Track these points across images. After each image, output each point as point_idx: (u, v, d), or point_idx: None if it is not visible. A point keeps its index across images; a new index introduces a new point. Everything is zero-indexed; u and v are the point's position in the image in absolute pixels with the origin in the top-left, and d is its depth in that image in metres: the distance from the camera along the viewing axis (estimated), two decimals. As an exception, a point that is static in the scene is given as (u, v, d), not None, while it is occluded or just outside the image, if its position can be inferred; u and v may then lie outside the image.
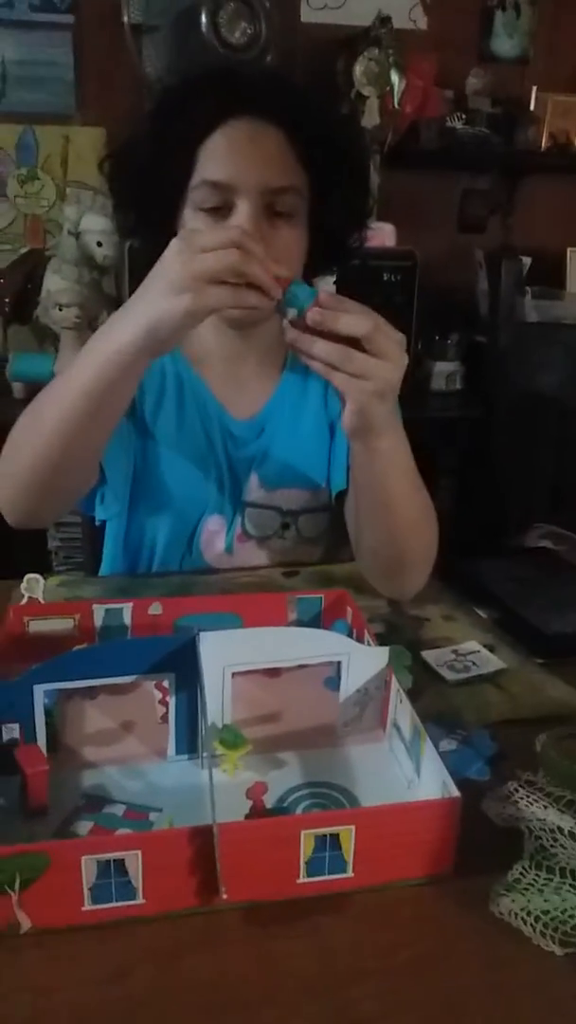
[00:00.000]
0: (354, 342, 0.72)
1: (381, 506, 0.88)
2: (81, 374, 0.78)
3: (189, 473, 1.06)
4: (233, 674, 0.69)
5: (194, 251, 0.71)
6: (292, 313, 0.72)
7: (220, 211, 0.93)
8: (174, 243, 0.73)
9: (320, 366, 0.73)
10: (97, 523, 1.09)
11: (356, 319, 0.71)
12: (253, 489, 1.08)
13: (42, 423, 0.81)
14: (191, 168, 0.95)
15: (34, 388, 1.91)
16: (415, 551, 0.93)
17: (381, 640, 0.84)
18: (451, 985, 0.51)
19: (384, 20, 2.23)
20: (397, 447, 0.83)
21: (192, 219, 0.95)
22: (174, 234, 0.95)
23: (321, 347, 0.72)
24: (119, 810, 0.63)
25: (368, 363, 0.72)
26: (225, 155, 0.93)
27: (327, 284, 2.03)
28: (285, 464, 1.08)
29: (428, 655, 0.85)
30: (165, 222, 0.98)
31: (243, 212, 0.91)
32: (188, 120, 0.95)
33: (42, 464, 0.82)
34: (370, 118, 2.19)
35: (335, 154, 0.98)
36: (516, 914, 0.55)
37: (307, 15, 2.42)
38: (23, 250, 2.22)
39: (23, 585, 0.80)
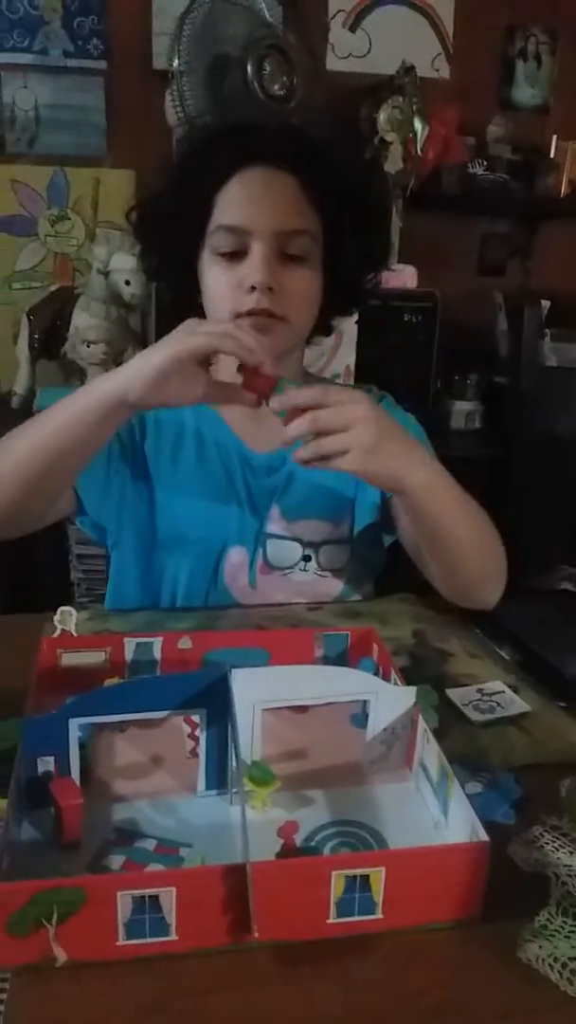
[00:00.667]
0: None
1: (435, 538, 0.92)
2: (59, 418, 0.87)
3: (209, 507, 1.08)
4: (263, 710, 0.70)
5: (198, 322, 0.83)
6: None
7: (236, 255, 0.97)
8: (184, 325, 0.83)
9: (312, 462, 0.79)
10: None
11: (300, 423, 0.78)
12: (274, 520, 1.10)
13: (14, 451, 0.89)
14: (209, 214, 0.99)
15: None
16: (483, 568, 0.96)
17: (406, 673, 0.85)
18: (479, 1029, 0.51)
19: (408, 69, 2.29)
20: (427, 484, 0.86)
21: (210, 263, 0.99)
22: (195, 279, 1.00)
23: (300, 452, 0.79)
24: (150, 844, 0.63)
25: (337, 439, 0.78)
26: (240, 201, 0.98)
27: (349, 325, 2.07)
28: (306, 495, 1.10)
29: (453, 694, 0.86)
30: (186, 266, 1.02)
31: (257, 255, 0.96)
32: (207, 168, 1.00)
33: (10, 487, 0.90)
34: (393, 163, 2.24)
35: (348, 199, 1.02)
36: (543, 960, 0.55)
37: (332, 63, 2.49)
38: (52, 288, 2.27)
39: (56, 618, 0.81)
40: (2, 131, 2.28)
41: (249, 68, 1.97)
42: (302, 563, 1.11)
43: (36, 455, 0.88)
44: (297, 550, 1.11)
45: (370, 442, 0.79)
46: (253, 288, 0.95)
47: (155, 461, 1.09)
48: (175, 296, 1.12)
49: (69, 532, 1.92)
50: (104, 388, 0.85)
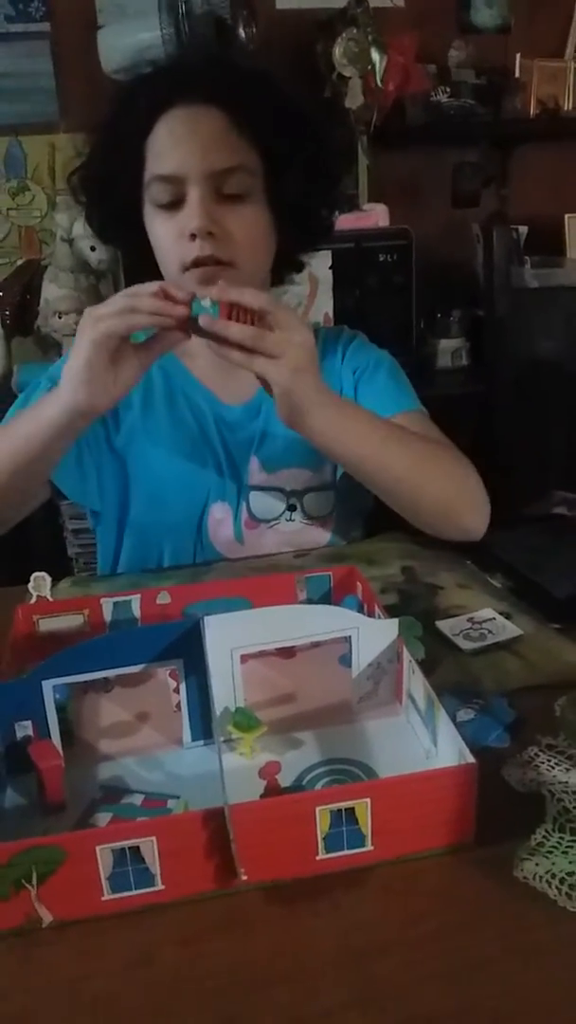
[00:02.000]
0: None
1: (362, 474, 0.94)
2: (16, 434, 0.89)
3: (185, 464, 1.07)
4: (242, 656, 0.68)
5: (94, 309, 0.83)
6: (205, 320, 0.80)
7: (175, 204, 0.94)
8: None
9: (239, 356, 0.80)
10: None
11: (255, 294, 0.80)
12: (254, 472, 1.08)
13: None
14: (143, 165, 0.96)
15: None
16: (431, 499, 0.95)
17: (394, 610, 0.84)
18: (477, 953, 0.50)
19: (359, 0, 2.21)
20: (340, 416, 0.88)
21: (152, 217, 0.96)
22: (145, 235, 0.98)
23: (236, 328, 0.79)
24: (137, 799, 0.62)
25: (280, 339, 0.79)
26: (168, 147, 0.94)
27: (323, 271, 2.03)
28: (284, 444, 1.07)
29: (443, 625, 0.84)
30: (133, 224, 0.99)
31: (192, 201, 0.92)
32: (132, 118, 0.96)
33: None
34: (353, 99, 2.17)
35: (284, 126, 0.97)
36: (540, 877, 0.54)
37: (282, 2, 2.40)
38: (19, 262, 2.22)
39: (31, 584, 0.80)
40: (-49, 106, 2.23)
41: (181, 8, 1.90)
42: (287, 513, 1.10)
43: (7, 462, 0.89)
44: (281, 501, 1.09)
45: (301, 361, 0.81)
46: (193, 236, 0.92)
47: (126, 420, 1.07)
48: (131, 257, 1.08)
49: (61, 508, 1.91)
50: (57, 404, 0.85)
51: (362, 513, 1.17)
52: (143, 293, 0.81)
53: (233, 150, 0.93)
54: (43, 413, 0.86)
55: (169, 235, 0.95)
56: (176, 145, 0.93)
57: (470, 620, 0.86)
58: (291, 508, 1.10)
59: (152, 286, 0.82)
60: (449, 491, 0.96)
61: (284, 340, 0.80)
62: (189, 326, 0.81)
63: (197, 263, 0.93)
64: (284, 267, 1.10)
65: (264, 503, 1.09)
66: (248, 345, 0.79)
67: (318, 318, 2.07)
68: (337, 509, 1.12)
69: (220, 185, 0.93)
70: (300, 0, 2.39)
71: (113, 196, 0.99)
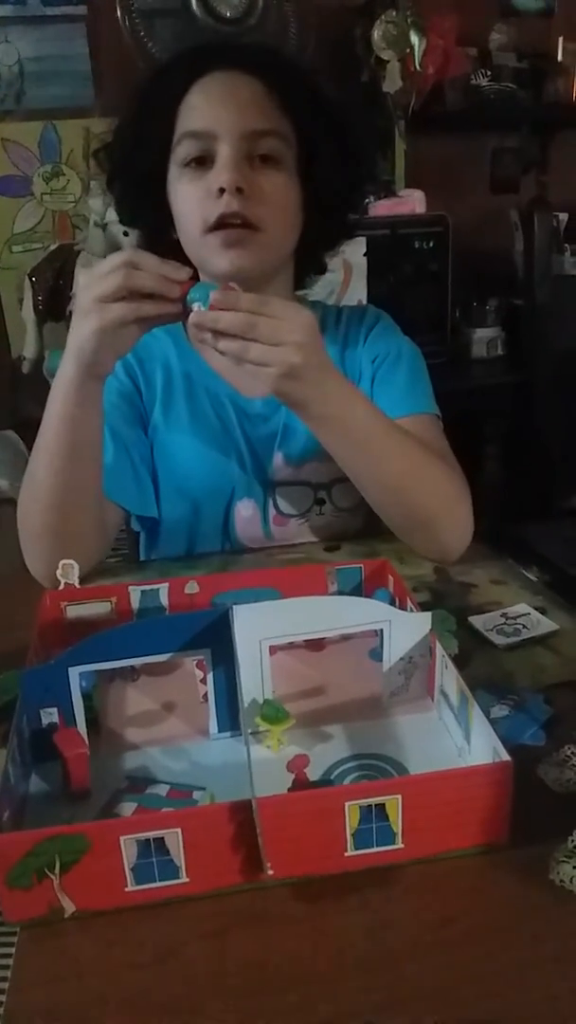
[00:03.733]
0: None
1: (352, 468, 0.91)
2: (48, 423, 0.86)
3: (208, 460, 1.05)
4: (271, 648, 0.67)
5: (94, 278, 0.78)
6: (197, 307, 0.77)
7: (204, 162, 0.91)
8: (80, 278, 0.78)
9: (233, 345, 0.77)
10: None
11: (233, 318, 0.75)
12: (279, 468, 1.06)
13: (36, 479, 0.88)
14: (172, 127, 0.93)
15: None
16: (418, 508, 0.91)
17: (426, 608, 0.82)
18: (511, 957, 0.49)
19: (400, -19, 2.17)
20: (340, 418, 0.84)
21: (177, 179, 0.93)
22: (167, 210, 0.95)
23: (228, 317, 0.75)
24: (162, 790, 0.61)
25: (264, 351, 0.76)
26: (203, 105, 0.92)
27: (357, 258, 2.00)
28: (307, 436, 1.03)
29: (476, 620, 0.83)
30: (155, 194, 0.96)
31: (224, 156, 0.89)
32: (166, 83, 0.94)
33: (50, 514, 0.88)
34: (391, 82, 2.13)
35: (318, 103, 0.96)
36: (577, 880, 0.52)
37: (321, -15, 2.37)
38: (53, 247, 2.22)
39: (58, 571, 0.79)
40: (-13, 89, 2.23)
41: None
42: (316, 507, 1.08)
43: (54, 469, 0.86)
44: (308, 495, 1.07)
45: (293, 365, 0.77)
46: (222, 191, 0.89)
47: (150, 413, 1.05)
48: (148, 234, 1.06)
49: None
50: (66, 377, 0.83)
51: None
52: (143, 266, 0.77)
53: (268, 114, 0.92)
54: (58, 388, 0.85)
55: (195, 194, 0.91)
56: (211, 104, 0.91)
57: (504, 615, 0.84)
58: (319, 502, 1.08)
59: (152, 260, 0.78)
60: (434, 505, 0.92)
61: (269, 353, 0.76)
62: (183, 309, 0.78)
63: (223, 222, 0.89)
64: (307, 266, 1.07)
65: (292, 498, 1.07)
66: (240, 333, 0.76)
67: (352, 303, 2.04)
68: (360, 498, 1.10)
69: (253, 147, 0.90)
70: (339, -17, 2.35)
71: (139, 160, 0.96)
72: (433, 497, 0.91)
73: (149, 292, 0.77)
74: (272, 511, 1.07)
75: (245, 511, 1.06)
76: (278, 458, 1.06)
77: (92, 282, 0.79)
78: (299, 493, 1.07)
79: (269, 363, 0.76)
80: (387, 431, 0.88)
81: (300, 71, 0.97)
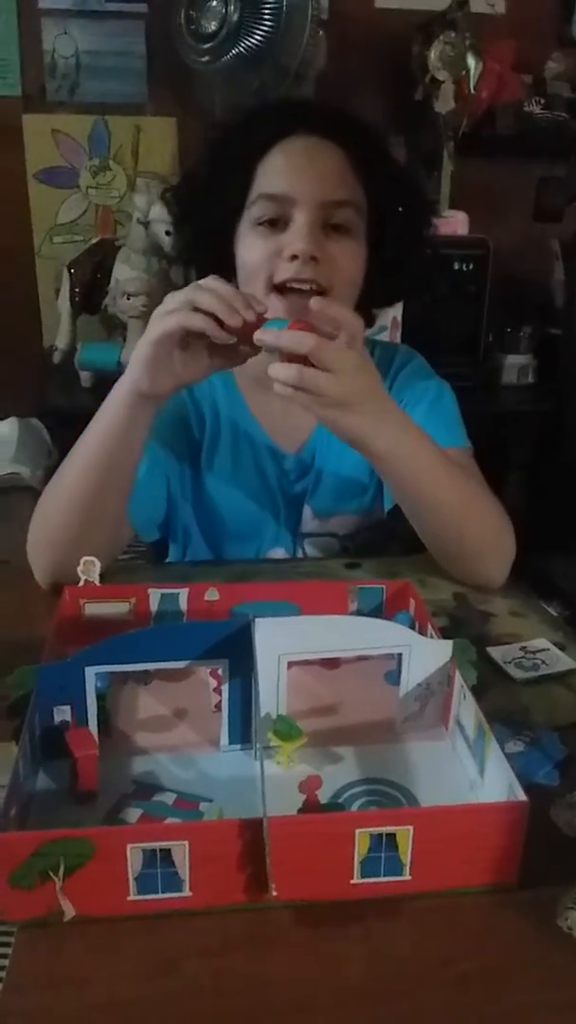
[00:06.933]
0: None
1: (413, 502, 0.90)
2: (92, 432, 0.86)
3: (247, 510, 1.07)
4: (289, 663, 0.66)
5: (169, 296, 0.80)
6: (270, 334, 0.76)
7: (276, 224, 0.92)
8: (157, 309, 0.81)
9: (283, 389, 0.76)
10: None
11: (298, 336, 0.75)
12: (307, 520, 1.08)
13: (64, 484, 0.88)
14: (249, 185, 0.95)
15: (102, 377, 1.93)
16: (472, 538, 0.92)
17: (445, 634, 0.81)
18: (512, 1001, 0.48)
19: (461, 3, 2.16)
20: (392, 451, 0.84)
21: (249, 234, 0.94)
22: (232, 261, 0.96)
23: (276, 367, 0.75)
24: (169, 798, 0.61)
25: (317, 378, 0.74)
26: (283, 169, 0.93)
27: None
28: (335, 494, 1.08)
29: (494, 651, 0.82)
30: (222, 246, 0.97)
31: (300, 223, 0.91)
32: (248, 139, 0.96)
33: (69, 520, 0.87)
34: (444, 103, 2.13)
35: (394, 175, 0.99)
36: (585, 930, 0.51)
37: (381, 1, 2.37)
38: (94, 241, 2.23)
39: (80, 568, 0.78)
40: (43, 80, 2.23)
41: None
42: (341, 554, 1.10)
43: (86, 478, 0.87)
44: (335, 545, 1.10)
45: (345, 394, 0.76)
46: (294, 257, 0.90)
47: (198, 453, 1.07)
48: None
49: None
50: (122, 389, 0.84)
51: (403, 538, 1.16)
52: (211, 289, 0.78)
53: (347, 185, 0.93)
54: (111, 398, 0.86)
55: (264, 251, 0.92)
56: (291, 169, 0.93)
57: (523, 649, 0.83)
58: (345, 549, 1.10)
59: (226, 287, 0.78)
60: (489, 536, 0.93)
61: (322, 381, 0.75)
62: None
63: (289, 285, 0.90)
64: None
65: (319, 547, 1.10)
66: (305, 354, 0.75)
67: (385, 322, 2.04)
68: (389, 542, 1.11)
69: (328, 216, 0.92)
70: (401, 0, 2.36)
71: (211, 212, 0.98)
72: (485, 528, 0.92)
73: (215, 315, 0.77)
74: (301, 556, 1.09)
75: (275, 555, 1.09)
76: (307, 512, 1.08)
77: (166, 299, 0.80)
78: (326, 543, 1.10)
79: (323, 391, 0.75)
80: (443, 464, 0.88)
81: (377, 141, 0.99)
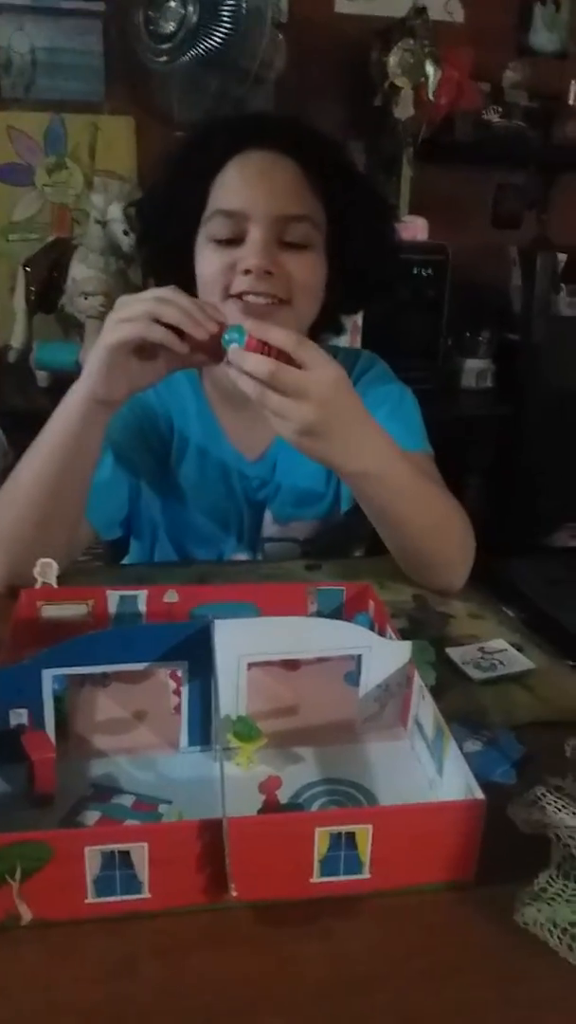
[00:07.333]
0: None
1: (381, 523, 0.90)
2: (47, 435, 0.86)
3: (211, 519, 1.08)
4: (249, 665, 0.66)
5: (123, 303, 0.80)
6: (234, 347, 0.75)
7: (233, 242, 0.92)
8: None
9: (252, 387, 0.74)
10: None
11: (259, 362, 0.73)
12: (267, 525, 1.09)
13: (19, 484, 0.87)
14: (205, 200, 0.95)
15: (59, 377, 1.91)
16: (437, 555, 0.93)
17: (404, 636, 0.81)
18: (470, 997, 0.48)
19: (420, 11, 2.19)
20: (367, 472, 0.83)
21: (205, 248, 0.94)
22: (191, 274, 0.96)
23: (253, 360, 0.73)
24: (128, 801, 0.60)
25: (282, 403, 0.73)
26: (238, 185, 0.93)
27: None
28: (294, 501, 1.09)
29: (453, 652, 0.82)
30: (181, 259, 0.97)
31: (254, 238, 0.91)
32: (203, 155, 0.96)
33: (24, 524, 0.87)
34: (404, 109, 2.15)
35: (352, 186, 0.98)
36: (542, 925, 0.52)
37: (341, 6, 2.39)
38: (50, 239, 2.21)
39: (36, 570, 0.77)
40: (-2, 76, 2.21)
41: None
42: (301, 559, 1.10)
43: (41, 481, 0.86)
44: (295, 550, 1.11)
45: (311, 423, 0.74)
46: (248, 272, 0.90)
47: (166, 456, 1.07)
48: None
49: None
50: (77, 394, 0.84)
51: (364, 536, 1.17)
52: (173, 301, 0.77)
53: (302, 199, 0.93)
54: (66, 403, 0.85)
55: (219, 265, 0.92)
56: (246, 184, 0.93)
57: (481, 649, 0.84)
58: (305, 554, 1.11)
59: (185, 299, 0.78)
60: (456, 552, 0.94)
61: (287, 407, 0.73)
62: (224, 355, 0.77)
63: (244, 296, 0.91)
64: (324, 326, 1.07)
65: (279, 552, 1.10)
66: (263, 379, 0.73)
67: (347, 327, 2.05)
68: (347, 542, 1.13)
69: (282, 231, 0.92)
70: (360, 5, 2.38)
71: (169, 227, 0.98)
72: (454, 546, 0.94)
73: (176, 326, 0.77)
74: (261, 558, 1.10)
75: (237, 559, 1.09)
76: (267, 516, 1.09)
77: (121, 306, 0.80)
78: (286, 548, 1.10)
79: (286, 416, 0.74)
80: (419, 486, 0.87)
81: (334, 152, 0.99)
